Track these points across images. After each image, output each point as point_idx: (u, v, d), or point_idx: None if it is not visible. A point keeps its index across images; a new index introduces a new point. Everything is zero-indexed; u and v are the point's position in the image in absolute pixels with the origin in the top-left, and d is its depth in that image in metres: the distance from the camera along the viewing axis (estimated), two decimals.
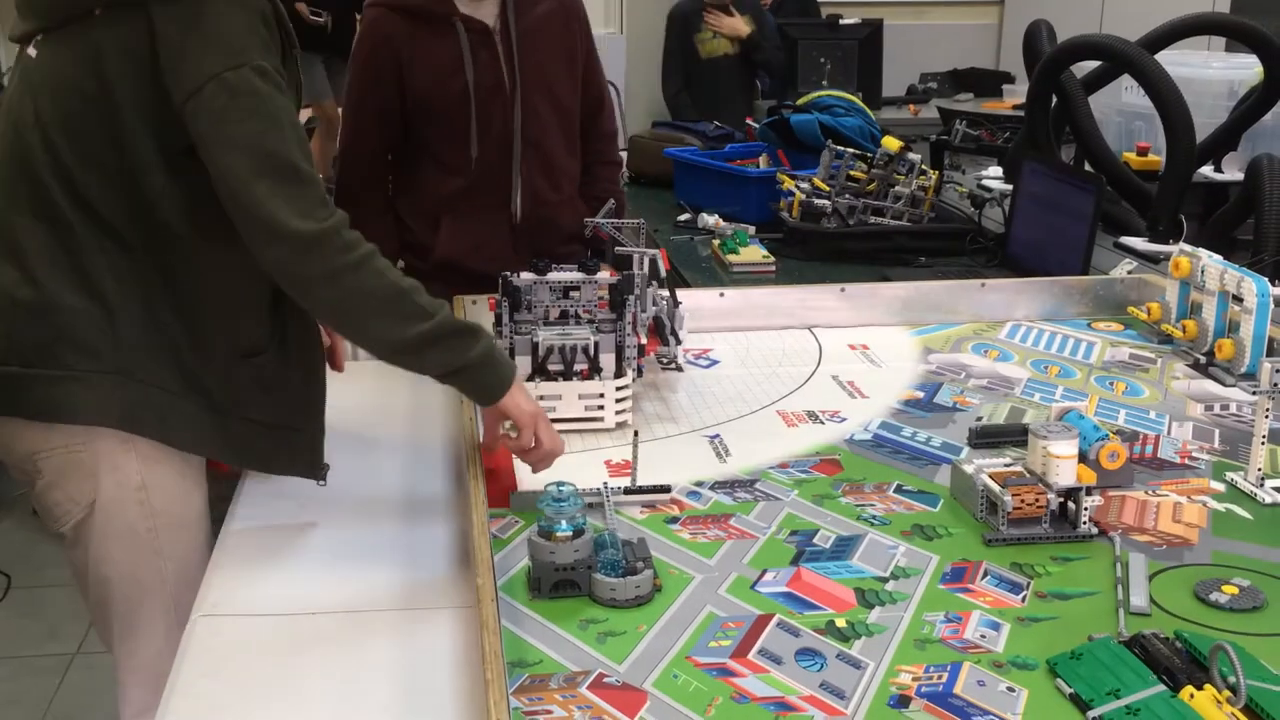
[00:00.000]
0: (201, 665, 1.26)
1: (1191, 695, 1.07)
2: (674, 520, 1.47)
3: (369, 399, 1.94)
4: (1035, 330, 2.19)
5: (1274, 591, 1.29)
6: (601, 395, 1.73)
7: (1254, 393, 1.53)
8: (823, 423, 1.78)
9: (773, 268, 2.79)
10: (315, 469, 1.60)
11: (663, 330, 1.90)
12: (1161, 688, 1.09)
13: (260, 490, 1.66)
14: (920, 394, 1.89)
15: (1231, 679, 1.07)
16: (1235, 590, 1.28)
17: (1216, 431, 1.74)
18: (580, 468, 1.61)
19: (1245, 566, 1.35)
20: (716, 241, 2.95)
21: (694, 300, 2.22)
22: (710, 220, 3.14)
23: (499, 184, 2.38)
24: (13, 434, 1.50)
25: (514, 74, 2.32)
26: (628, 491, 1.51)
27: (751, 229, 3.01)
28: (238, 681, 1.24)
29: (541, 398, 1.70)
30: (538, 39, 2.35)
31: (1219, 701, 1.06)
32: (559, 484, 1.32)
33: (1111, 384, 1.93)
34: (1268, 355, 1.90)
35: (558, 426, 1.64)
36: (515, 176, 2.37)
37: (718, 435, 1.74)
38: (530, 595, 1.30)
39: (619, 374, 1.75)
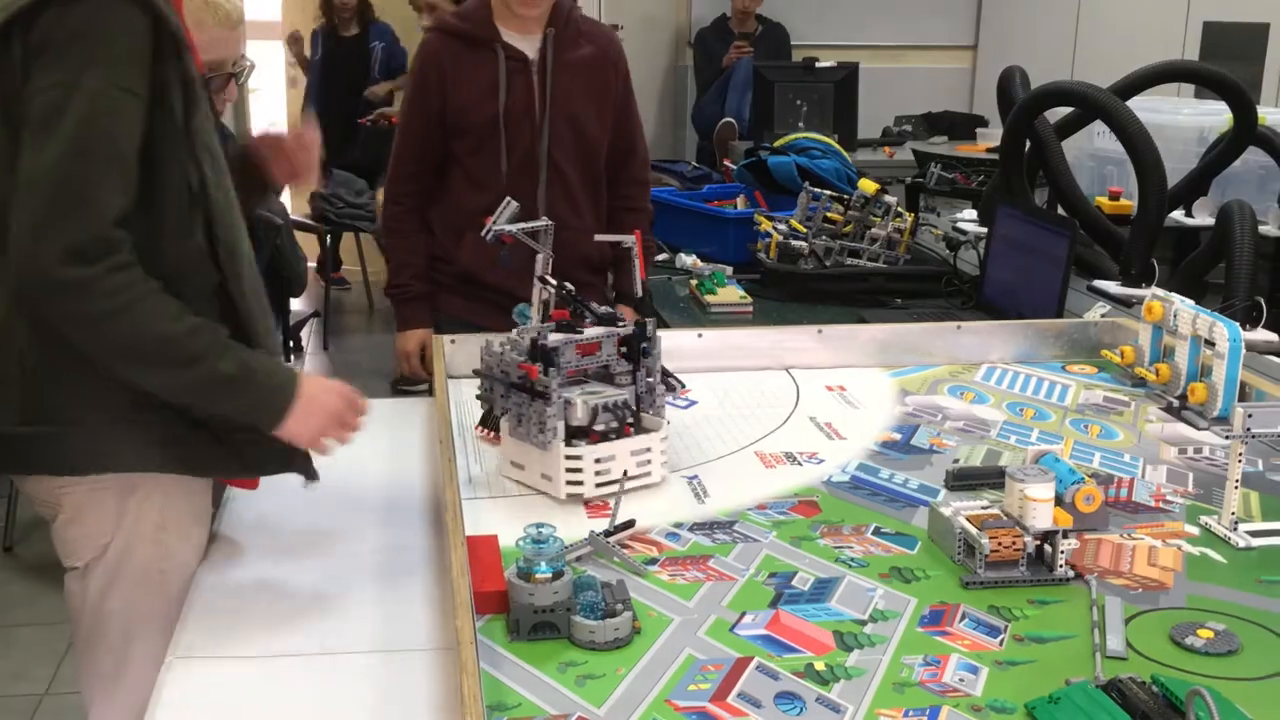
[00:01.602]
0: (176, 710, 1.25)
1: None
2: (653, 562, 1.47)
3: None
4: (1010, 372, 2.21)
5: (1249, 636, 1.30)
6: (649, 449, 1.67)
7: (1227, 437, 1.54)
8: (800, 464, 1.78)
9: (750, 308, 2.81)
10: (307, 456, 1.59)
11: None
12: None
13: (235, 531, 1.65)
14: (897, 436, 1.90)
15: None
16: (1211, 634, 1.29)
17: (1190, 475, 1.76)
18: (557, 509, 1.61)
19: (1220, 610, 1.36)
20: (694, 282, 2.97)
21: (672, 341, 2.22)
22: (688, 260, 3.16)
23: (523, 202, 2.48)
24: (39, 479, 1.52)
25: (544, 102, 2.54)
26: (607, 534, 1.51)
27: (729, 270, 3.04)
28: None
29: (598, 460, 1.62)
30: (573, 75, 2.57)
31: None
32: (538, 525, 1.32)
33: (1086, 427, 1.95)
34: (1240, 400, 1.92)
35: (613, 489, 1.61)
36: (540, 196, 2.55)
37: (696, 476, 1.74)
38: (509, 637, 1.30)
39: (651, 425, 1.69)
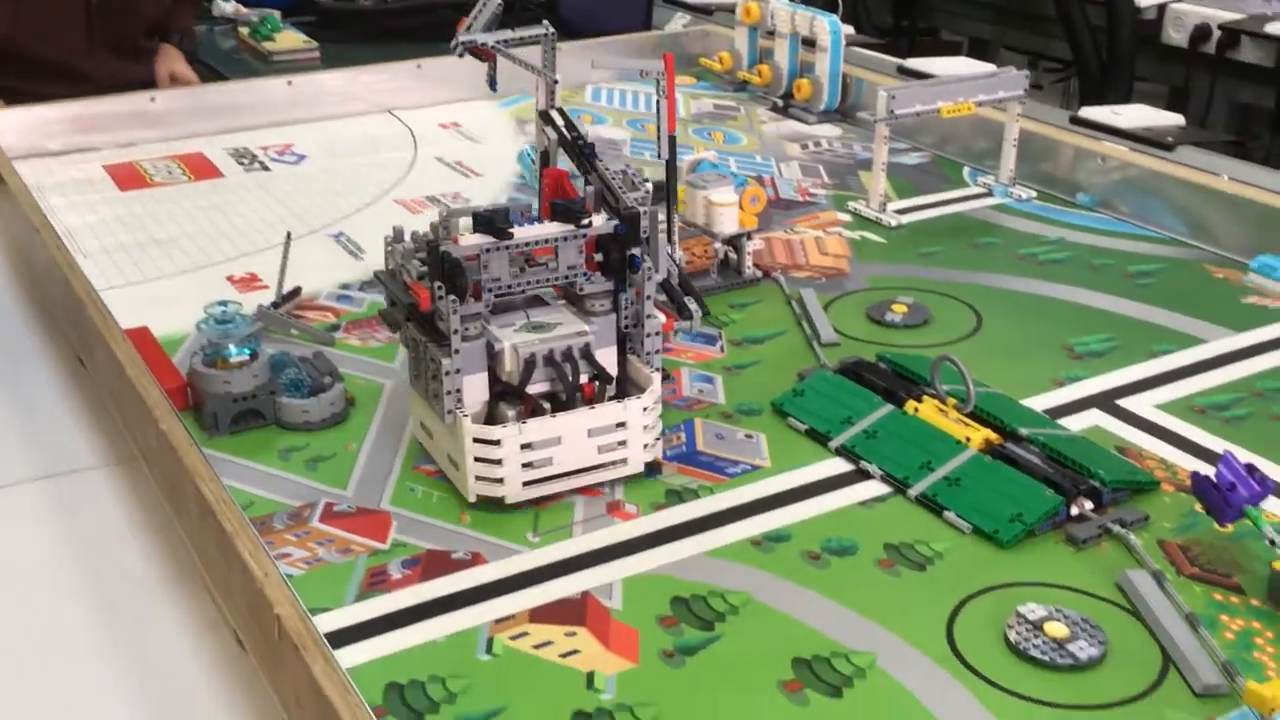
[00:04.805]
0: None
1: (916, 409, 1.11)
2: (335, 328, 1.33)
3: None
4: (617, 91, 2.17)
5: (933, 304, 1.37)
6: (621, 425, 1.02)
7: (874, 121, 1.59)
8: (449, 204, 1.67)
9: (317, 54, 2.58)
10: None
11: (673, 292, 1.17)
12: (890, 407, 1.12)
13: None
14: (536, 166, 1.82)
15: (947, 388, 1.12)
16: (904, 308, 1.35)
17: (820, 167, 1.81)
18: (209, 286, 1.41)
19: (901, 285, 1.42)
20: (244, 30, 2.67)
21: (259, 92, 2.01)
22: (228, 8, 2.83)
23: None
24: None
25: None
26: (275, 306, 1.34)
27: (278, 13, 2.75)
28: None
29: (527, 447, 0.99)
30: None
31: (943, 410, 1.10)
32: (221, 304, 1.14)
33: (711, 134, 1.95)
34: (843, 91, 1.99)
35: (557, 486, 1.01)
36: None
37: (342, 233, 1.58)
38: (207, 434, 1.12)
39: (639, 379, 1.06)
